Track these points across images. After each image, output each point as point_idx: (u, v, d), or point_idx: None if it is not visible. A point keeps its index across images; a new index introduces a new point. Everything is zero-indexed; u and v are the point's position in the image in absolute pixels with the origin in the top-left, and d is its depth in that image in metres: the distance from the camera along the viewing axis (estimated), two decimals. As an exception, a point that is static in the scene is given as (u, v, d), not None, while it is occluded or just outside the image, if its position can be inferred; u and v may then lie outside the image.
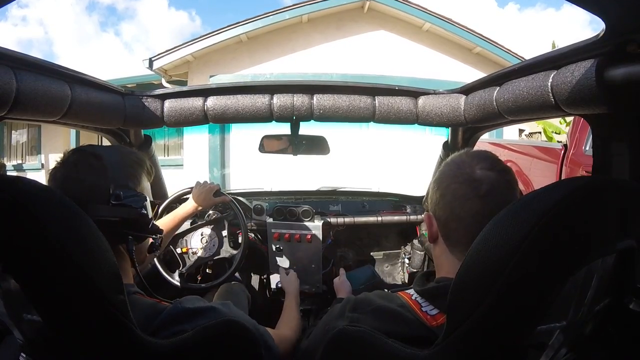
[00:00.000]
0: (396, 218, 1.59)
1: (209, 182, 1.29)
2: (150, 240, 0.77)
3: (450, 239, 0.61)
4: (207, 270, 1.50)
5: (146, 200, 0.67)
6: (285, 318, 1.04)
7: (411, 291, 0.60)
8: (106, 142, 1.21)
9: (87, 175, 0.63)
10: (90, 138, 6.35)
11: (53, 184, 0.64)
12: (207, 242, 1.40)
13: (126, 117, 0.99)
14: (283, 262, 1.50)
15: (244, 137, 4.84)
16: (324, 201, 1.69)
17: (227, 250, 1.38)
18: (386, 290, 0.73)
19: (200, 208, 1.25)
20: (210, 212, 1.45)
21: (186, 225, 1.39)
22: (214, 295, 1.27)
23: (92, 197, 0.62)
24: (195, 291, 1.28)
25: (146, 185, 0.72)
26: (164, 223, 1.18)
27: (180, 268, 1.34)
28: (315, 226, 1.46)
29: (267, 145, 1.25)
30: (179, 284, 1.30)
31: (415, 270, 1.67)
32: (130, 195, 0.65)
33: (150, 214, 0.68)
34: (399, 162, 4.73)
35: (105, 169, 0.65)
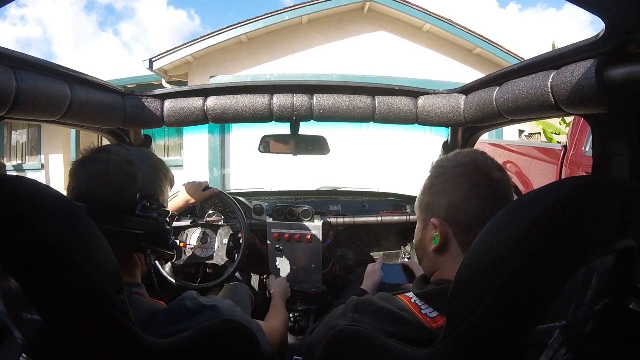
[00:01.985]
0: (396, 218, 1.59)
1: (197, 181, 1.33)
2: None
3: (470, 243, 0.58)
4: (207, 270, 1.51)
5: (169, 214, 0.67)
6: (273, 312, 1.06)
7: (410, 294, 0.60)
8: (106, 142, 1.22)
9: (116, 179, 0.61)
10: (90, 138, 6.36)
11: (74, 180, 0.61)
12: (205, 243, 1.41)
13: (126, 117, 0.99)
14: (283, 262, 1.50)
15: (244, 137, 4.83)
16: (324, 201, 1.69)
17: (222, 258, 1.40)
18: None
19: (192, 202, 1.28)
20: (211, 211, 1.46)
21: (188, 221, 1.42)
22: (217, 295, 1.28)
23: (117, 203, 0.61)
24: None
25: (167, 196, 0.72)
26: None
27: (174, 260, 1.35)
28: (315, 226, 1.47)
29: (267, 145, 1.25)
30: (176, 283, 1.30)
31: (415, 271, 1.67)
32: (156, 207, 0.64)
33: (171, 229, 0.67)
34: (399, 162, 4.72)
35: (136, 176, 0.63)
